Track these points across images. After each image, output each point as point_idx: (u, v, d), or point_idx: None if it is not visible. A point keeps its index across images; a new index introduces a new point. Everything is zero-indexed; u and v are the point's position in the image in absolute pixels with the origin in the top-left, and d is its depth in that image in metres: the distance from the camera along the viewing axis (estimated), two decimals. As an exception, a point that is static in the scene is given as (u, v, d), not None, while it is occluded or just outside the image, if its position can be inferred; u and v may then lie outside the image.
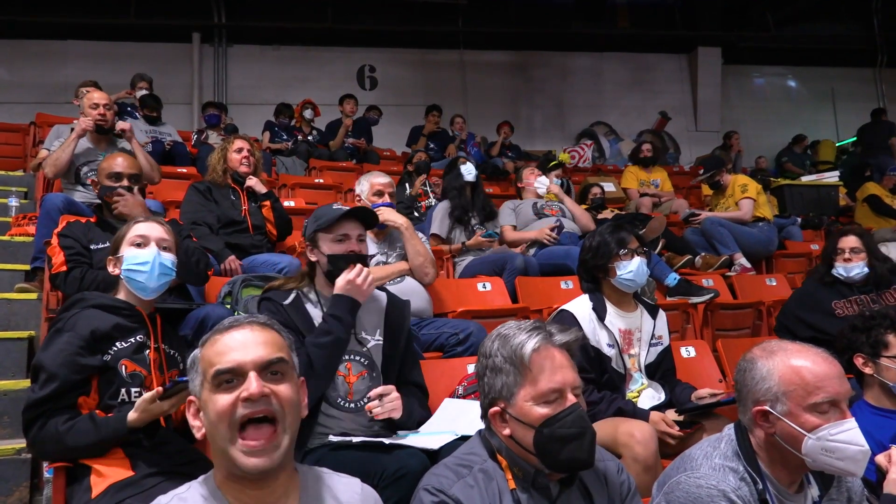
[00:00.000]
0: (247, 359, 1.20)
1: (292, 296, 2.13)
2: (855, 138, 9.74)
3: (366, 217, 2.25)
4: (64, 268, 2.53)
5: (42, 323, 2.95)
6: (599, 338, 2.39)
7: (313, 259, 2.19)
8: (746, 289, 4.25)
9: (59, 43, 8.78)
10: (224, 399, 1.18)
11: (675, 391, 2.45)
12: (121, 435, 1.73)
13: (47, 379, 1.77)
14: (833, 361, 1.46)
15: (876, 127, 9.10)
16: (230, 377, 1.19)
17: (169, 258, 2.08)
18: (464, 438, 1.82)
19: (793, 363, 1.46)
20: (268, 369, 1.21)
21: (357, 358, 2.09)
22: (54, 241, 2.61)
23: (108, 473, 1.70)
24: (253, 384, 1.17)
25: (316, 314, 2.11)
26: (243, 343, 1.22)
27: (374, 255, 3.08)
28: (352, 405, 2.03)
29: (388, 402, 1.99)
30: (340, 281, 2.09)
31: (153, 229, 2.10)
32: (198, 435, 1.24)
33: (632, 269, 2.43)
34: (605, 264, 2.48)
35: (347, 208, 2.20)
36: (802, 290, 3.46)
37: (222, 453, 1.18)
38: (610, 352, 2.39)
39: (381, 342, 2.14)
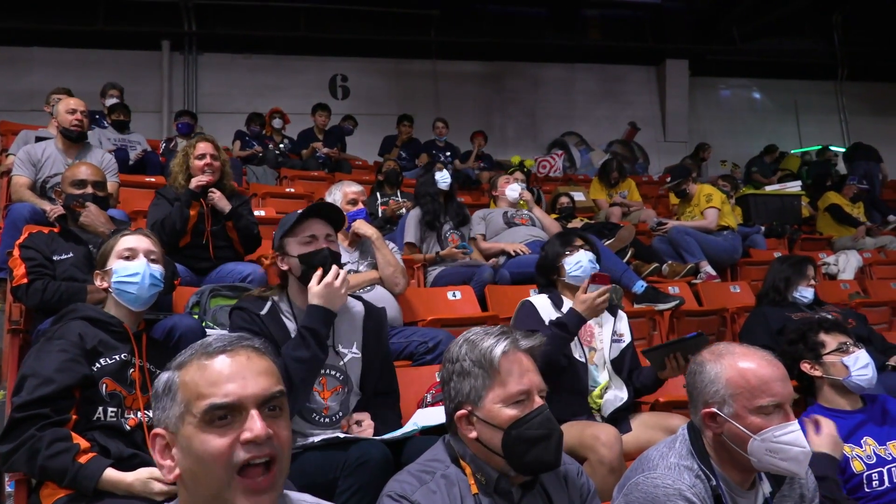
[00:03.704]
0: (246, 392, 1.04)
1: (268, 305, 2.05)
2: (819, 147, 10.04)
3: (331, 215, 2.12)
4: (25, 280, 2.49)
5: (4, 334, 2.89)
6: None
7: (284, 268, 2.07)
8: (711, 296, 4.33)
9: (25, 49, 8.60)
10: (218, 441, 1.01)
11: (644, 372, 2.55)
12: (87, 491, 1.63)
13: (40, 383, 1.71)
14: (777, 364, 1.52)
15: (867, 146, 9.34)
16: (225, 413, 1.03)
17: (157, 269, 2.09)
18: (425, 432, 1.86)
19: (739, 366, 1.51)
20: (267, 405, 1.06)
21: (332, 373, 2.03)
22: (16, 252, 2.57)
23: (58, 487, 1.68)
24: (257, 425, 1.02)
25: (291, 327, 2.03)
26: (240, 372, 1.05)
27: (345, 263, 3.08)
28: (326, 419, 1.99)
29: (366, 425, 1.98)
30: (316, 286, 1.95)
31: (141, 241, 2.12)
32: (170, 477, 1.06)
33: (578, 259, 2.57)
34: (554, 264, 2.65)
35: (310, 206, 2.08)
36: (762, 320, 3.28)
37: (212, 496, 1.03)
38: None
39: (358, 355, 2.08)
